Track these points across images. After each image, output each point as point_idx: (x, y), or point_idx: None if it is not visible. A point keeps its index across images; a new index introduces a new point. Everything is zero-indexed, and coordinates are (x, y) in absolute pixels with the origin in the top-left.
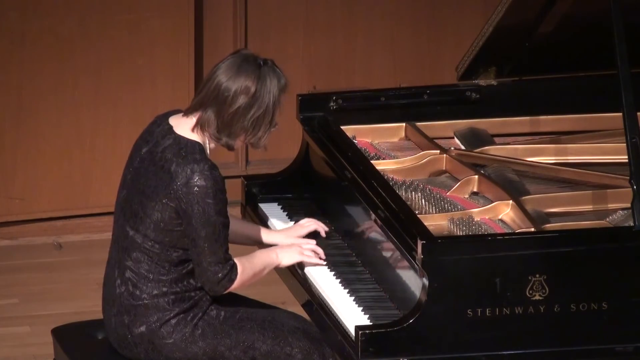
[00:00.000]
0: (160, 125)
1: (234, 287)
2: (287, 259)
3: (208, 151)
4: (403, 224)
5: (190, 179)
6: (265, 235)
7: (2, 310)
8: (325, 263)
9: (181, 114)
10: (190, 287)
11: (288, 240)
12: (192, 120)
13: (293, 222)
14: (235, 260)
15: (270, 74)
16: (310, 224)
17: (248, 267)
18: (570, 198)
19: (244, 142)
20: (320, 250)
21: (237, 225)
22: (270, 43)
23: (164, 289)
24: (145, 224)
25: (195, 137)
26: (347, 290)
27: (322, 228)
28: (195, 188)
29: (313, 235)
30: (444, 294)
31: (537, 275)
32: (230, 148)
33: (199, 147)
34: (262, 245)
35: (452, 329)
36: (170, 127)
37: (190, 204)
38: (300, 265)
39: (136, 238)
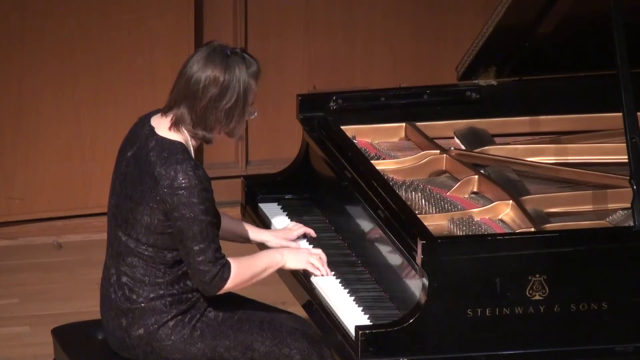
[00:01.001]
0: (144, 126)
1: (229, 287)
2: (292, 262)
3: (192, 149)
4: (403, 224)
5: (174, 180)
6: (254, 233)
7: (2, 310)
8: (331, 274)
9: (161, 114)
10: (187, 289)
11: (276, 241)
12: (169, 118)
13: (293, 222)
14: (230, 259)
15: (239, 62)
16: (298, 227)
17: (245, 266)
18: (570, 198)
19: (220, 133)
20: (325, 258)
21: (226, 222)
22: (270, 43)
23: (161, 292)
24: (137, 229)
25: (176, 136)
26: (347, 290)
27: (310, 232)
28: (180, 190)
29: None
30: (444, 294)
31: (537, 275)
32: (207, 141)
33: (181, 147)
34: (250, 242)
35: (452, 329)
36: (153, 129)
37: (176, 205)
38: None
39: (129, 243)
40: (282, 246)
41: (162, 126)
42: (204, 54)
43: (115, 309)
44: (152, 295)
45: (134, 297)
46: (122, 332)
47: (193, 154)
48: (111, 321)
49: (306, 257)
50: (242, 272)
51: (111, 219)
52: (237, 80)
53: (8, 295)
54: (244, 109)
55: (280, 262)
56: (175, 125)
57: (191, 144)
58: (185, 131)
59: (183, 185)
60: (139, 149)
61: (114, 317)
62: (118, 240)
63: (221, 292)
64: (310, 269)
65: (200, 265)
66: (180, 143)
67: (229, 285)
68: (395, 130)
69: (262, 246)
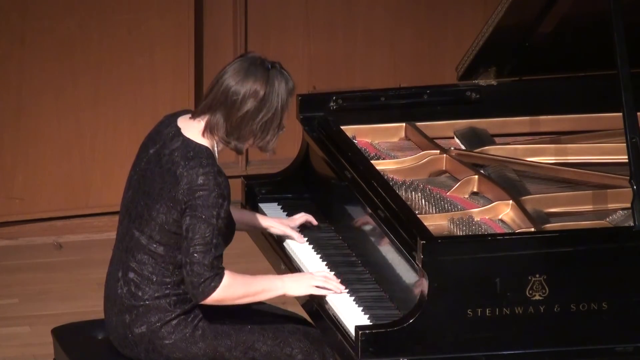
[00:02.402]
0: (169, 126)
1: (218, 297)
2: (294, 289)
3: (217, 154)
4: (403, 224)
5: (194, 182)
6: (258, 219)
7: (2, 310)
8: (345, 291)
9: (189, 116)
10: None
11: (280, 227)
12: (201, 123)
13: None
14: (227, 272)
15: (279, 77)
16: (300, 215)
17: (240, 282)
18: (570, 198)
19: (252, 146)
20: (333, 279)
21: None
22: (270, 43)
23: (167, 291)
24: (151, 226)
25: (204, 141)
26: (347, 290)
27: (311, 220)
28: (199, 192)
29: (304, 228)
30: (444, 294)
31: (537, 275)
32: (239, 152)
33: (207, 151)
34: (256, 228)
35: (452, 329)
36: (179, 129)
37: (191, 205)
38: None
39: (141, 239)
40: (285, 233)
41: (190, 128)
42: (244, 64)
43: (119, 305)
44: (157, 294)
45: (140, 294)
46: (124, 328)
47: (217, 160)
48: (114, 317)
49: (309, 281)
50: (234, 286)
51: (124, 214)
52: (276, 95)
53: (8, 295)
54: (279, 125)
55: (281, 289)
56: (209, 131)
57: (216, 149)
58: (215, 137)
59: (202, 188)
60: (161, 148)
61: (118, 313)
62: (130, 235)
63: (209, 301)
64: (315, 292)
65: (194, 266)
66: (206, 147)
67: (218, 295)
68: (395, 130)
69: (267, 232)
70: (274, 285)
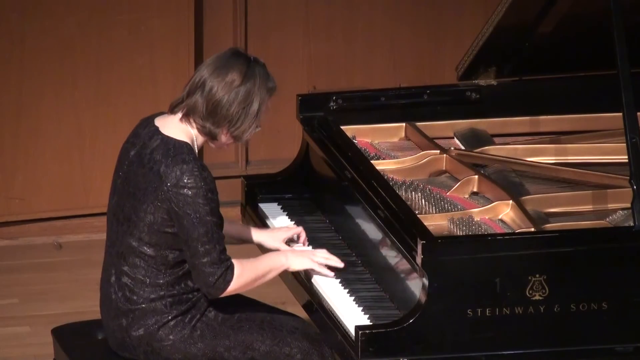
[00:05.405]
0: (146, 127)
1: (233, 289)
2: (296, 263)
3: (196, 149)
4: (403, 224)
5: (180, 180)
6: (252, 234)
7: (2, 310)
8: (333, 275)
9: (166, 115)
10: (188, 289)
11: (274, 242)
12: (178, 115)
13: (293, 222)
14: (235, 261)
15: (261, 71)
16: (298, 228)
17: (248, 268)
18: (570, 198)
19: (227, 135)
20: (334, 258)
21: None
22: (270, 43)
23: (161, 293)
24: (139, 228)
25: (182, 136)
26: (347, 290)
27: (304, 237)
28: (185, 189)
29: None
30: (444, 294)
31: (537, 275)
32: (213, 137)
33: (187, 147)
34: (248, 242)
35: (452, 329)
36: (157, 128)
37: (181, 205)
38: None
39: (132, 242)
40: (278, 248)
41: (167, 125)
42: (225, 55)
43: (115, 310)
44: (152, 296)
45: (135, 297)
46: (122, 332)
47: (197, 155)
48: (111, 321)
49: (310, 256)
50: (245, 274)
51: (112, 219)
52: (254, 85)
53: (8, 295)
54: (254, 118)
55: (285, 264)
56: (186, 116)
57: (196, 144)
58: (193, 123)
59: (189, 185)
60: (142, 148)
61: (114, 317)
62: (120, 240)
63: (225, 294)
64: (317, 268)
65: (205, 267)
66: (186, 143)
67: (233, 287)
68: (395, 130)
69: (261, 247)
70: (278, 262)
